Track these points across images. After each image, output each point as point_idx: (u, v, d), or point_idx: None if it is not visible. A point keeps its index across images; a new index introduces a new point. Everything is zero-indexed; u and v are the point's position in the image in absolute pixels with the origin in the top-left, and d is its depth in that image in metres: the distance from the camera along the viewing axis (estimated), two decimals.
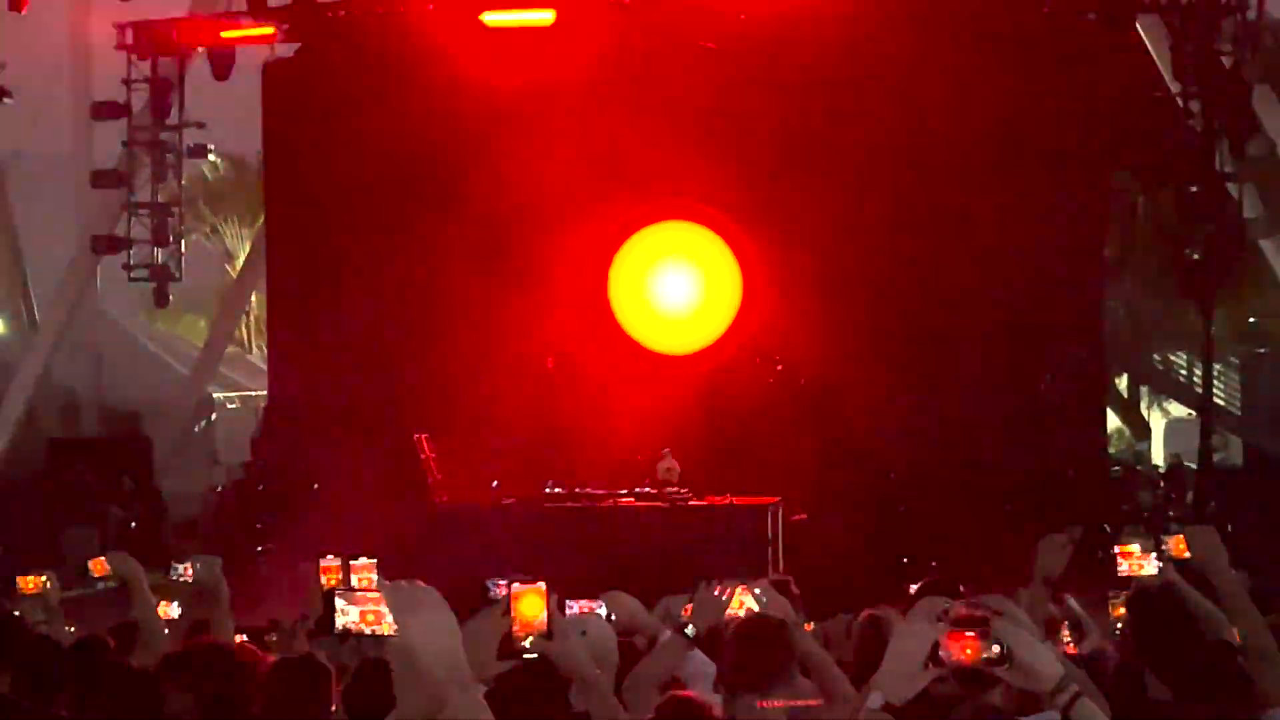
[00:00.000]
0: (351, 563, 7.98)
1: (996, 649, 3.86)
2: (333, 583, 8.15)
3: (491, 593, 11.11)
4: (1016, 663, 3.87)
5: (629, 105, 21.60)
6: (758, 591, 6.41)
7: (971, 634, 3.87)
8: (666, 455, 19.16)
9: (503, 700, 4.39)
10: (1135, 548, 6.82)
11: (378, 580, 7.03)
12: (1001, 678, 3.95)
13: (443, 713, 3.61)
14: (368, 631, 4.29)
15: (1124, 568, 6.85)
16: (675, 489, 18.73)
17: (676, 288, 23.08)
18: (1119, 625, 7.84)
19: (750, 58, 21.89)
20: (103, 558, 7.93)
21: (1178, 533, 6.54)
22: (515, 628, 4.32)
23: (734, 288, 22.48)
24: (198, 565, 7.64)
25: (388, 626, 3.89)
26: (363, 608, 4.30)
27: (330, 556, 8.22)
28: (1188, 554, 6.32)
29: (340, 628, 4.31)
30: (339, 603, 4.32)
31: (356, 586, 7.06)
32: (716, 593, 6.08)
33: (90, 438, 28.62)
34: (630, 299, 22.80)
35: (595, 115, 21.60)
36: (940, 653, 3.91)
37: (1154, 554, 7.00)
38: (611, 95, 21.83)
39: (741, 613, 6.41)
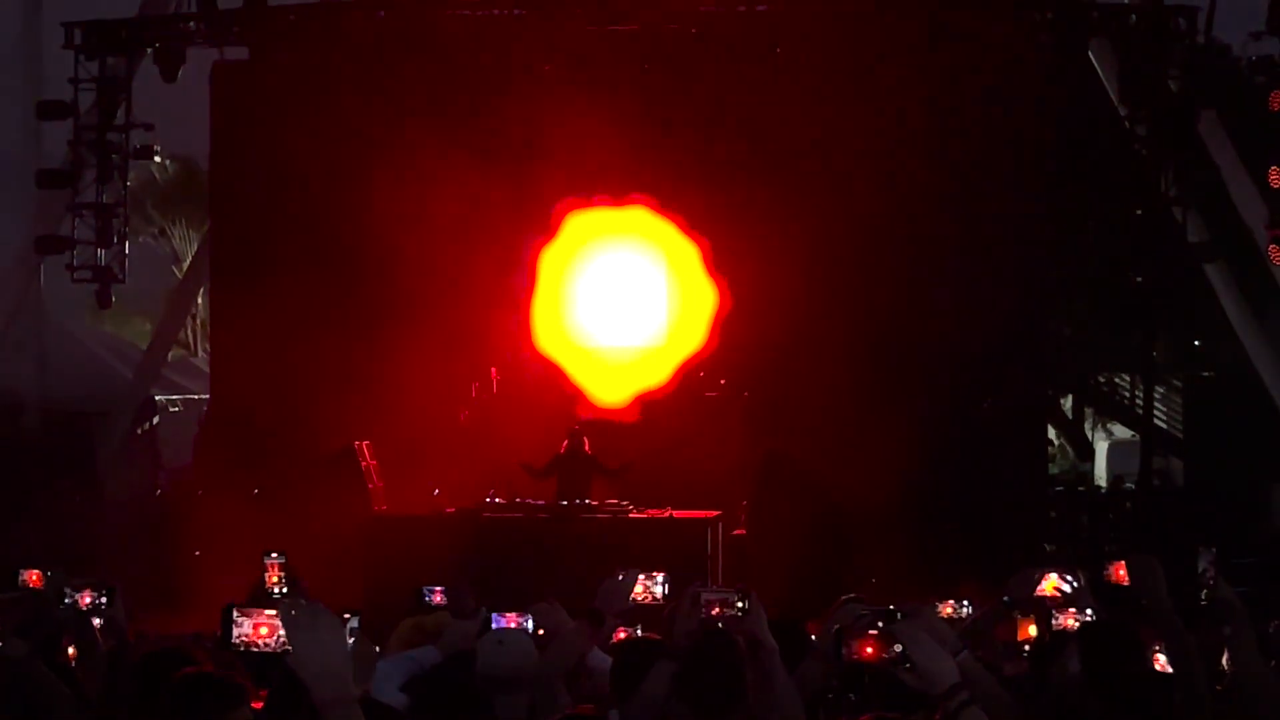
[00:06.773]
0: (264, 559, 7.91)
1: (897, 649, 3.93)
2: (273, 581, 8.07)
3: (426, 599, 11.07)
4: (914, 664, 3.93)
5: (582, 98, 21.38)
6: (660, 578, 6.53)
7: (873, 632, 3.95)
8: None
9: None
10: (1053, 576, 6.89)
11: (281, 593, 6.96)
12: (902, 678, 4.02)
13: None
14: (260, 646, 4.25)
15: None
16: (615, 502, 18.71)
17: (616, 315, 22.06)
18: (1025, 647, 7.90)
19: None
20: (37, 570, 7.80)
21: (1118, 559, 6.56)
22: None
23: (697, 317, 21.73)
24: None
25: (279, 643, 3.86)
26: (256, 620, 4.25)
27: (275, 554, 8.12)
28: (1127, 581, 6.34)
29: (236, 641, 4.26)
30: (235, 615, 4.28)
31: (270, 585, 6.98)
32: (621, 578, 6.23)
33: (32, 439, 28.36)
34: (554, 327, 21.88)
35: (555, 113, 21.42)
36: (843, 650, 3.98)
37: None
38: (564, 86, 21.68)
39: (648, 599, 6.53)
